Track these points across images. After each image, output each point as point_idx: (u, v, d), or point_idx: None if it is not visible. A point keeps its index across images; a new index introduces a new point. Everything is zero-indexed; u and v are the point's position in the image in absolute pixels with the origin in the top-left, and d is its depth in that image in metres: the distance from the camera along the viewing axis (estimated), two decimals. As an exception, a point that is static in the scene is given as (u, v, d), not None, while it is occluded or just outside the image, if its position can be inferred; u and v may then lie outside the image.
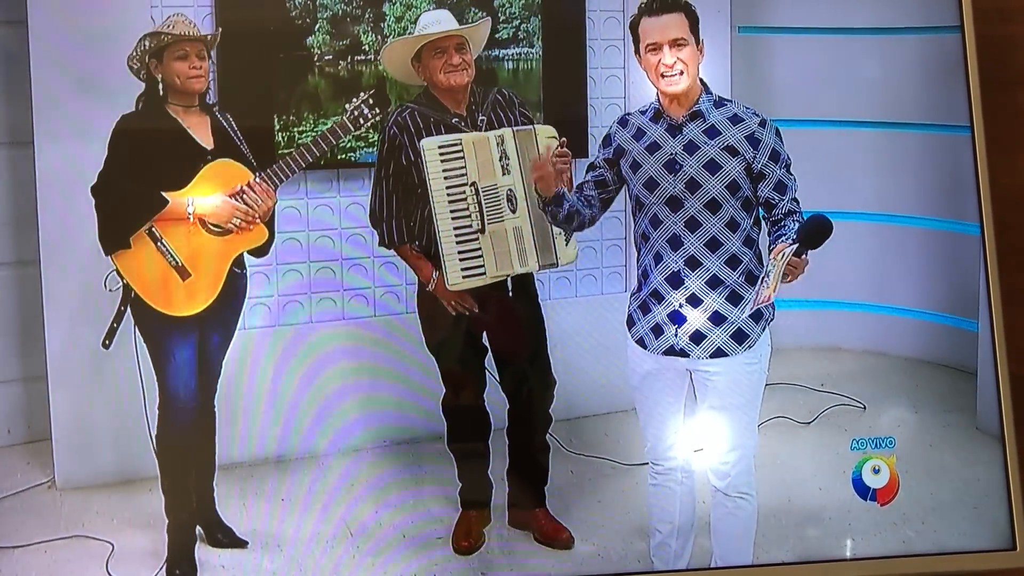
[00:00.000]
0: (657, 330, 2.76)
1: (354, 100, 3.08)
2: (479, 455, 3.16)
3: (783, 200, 2.68)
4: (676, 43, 2.72)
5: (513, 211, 3.05)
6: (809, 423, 3.48)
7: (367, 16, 3.33)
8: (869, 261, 3.82)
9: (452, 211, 3.01)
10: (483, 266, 3.03)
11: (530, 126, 3.11)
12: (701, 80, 2.79)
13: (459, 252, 3.02)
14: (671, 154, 2.75)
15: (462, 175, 3.01)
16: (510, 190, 3.04)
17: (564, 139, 3.01)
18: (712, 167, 2.71)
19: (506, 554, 3.07)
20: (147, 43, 2.95)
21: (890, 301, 3.81)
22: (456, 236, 3.01)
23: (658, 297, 2.75)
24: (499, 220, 3.04)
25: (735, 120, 2.73)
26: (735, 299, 2.70)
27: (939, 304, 3.68)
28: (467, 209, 3.02)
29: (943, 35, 3.28)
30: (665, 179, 2.74)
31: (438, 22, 3.06)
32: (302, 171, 3.07)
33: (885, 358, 3.82)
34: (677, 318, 2.73)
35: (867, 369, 3.79)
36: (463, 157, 3.01)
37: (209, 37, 3.02)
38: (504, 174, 3.04)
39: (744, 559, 2.85)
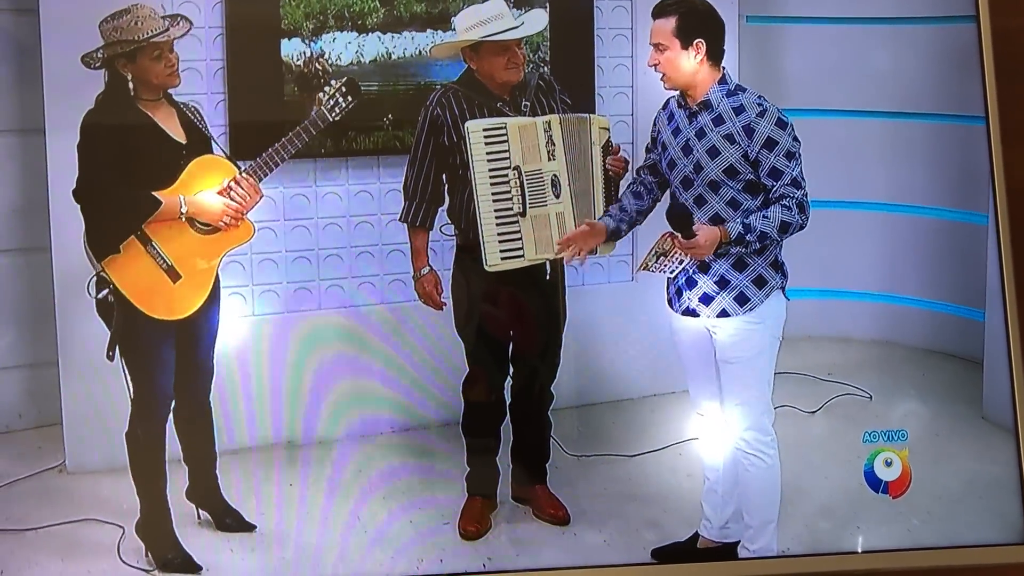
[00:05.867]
0: (679, 293, 2.99)
1: (327, 90, 3.05)
2: (490, 441, 3.19)
3: (776, 185, 2.86)
4: (657, 47, 2.91)
5: (557, 196, 3.08)
6: (815, 412, 3.49)
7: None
8: (879, 251, 3.82)
9: (494, 193, 3.03)
10: (522, 248, 3.06)
11: (586, 115, 3.15)
12: (724, 69, 2.93)
13: (499, 234, 3.04)
14: (687, 138, 2.93)
15: (505, 158, 3.04)
16: (555, 176, 3.08)
17: (618, 146, 3.17)
18: (713, 153, 2.89)
19: (512, 540, 3.09)
20: (121, 47, 2.86)
21: (899, 291, 3.81)
22: (496, 218, 3.04)
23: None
24: (542, 205, 3.07)
25: (738, 111, 2.88)
26: (740, 266, 2.91)
27: (946, 294, 3.69)
28: (509, 192, 3.04)
29: (955, 25, 3.27)
30: (681, 160, 2.94)
31: (500, 16, 3.06)
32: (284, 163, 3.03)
33: (893, 348, 3.83)
34: (691, 283, 2.95)
35: (875, 359, 3.80)
36: (507, 141, 3.03)
37: (181, 31, 2.93)
38: (550, 160, 3.07)
39: (767, 516, 2.93)
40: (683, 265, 2.94)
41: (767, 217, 2.84)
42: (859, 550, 2.93)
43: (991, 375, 3.42)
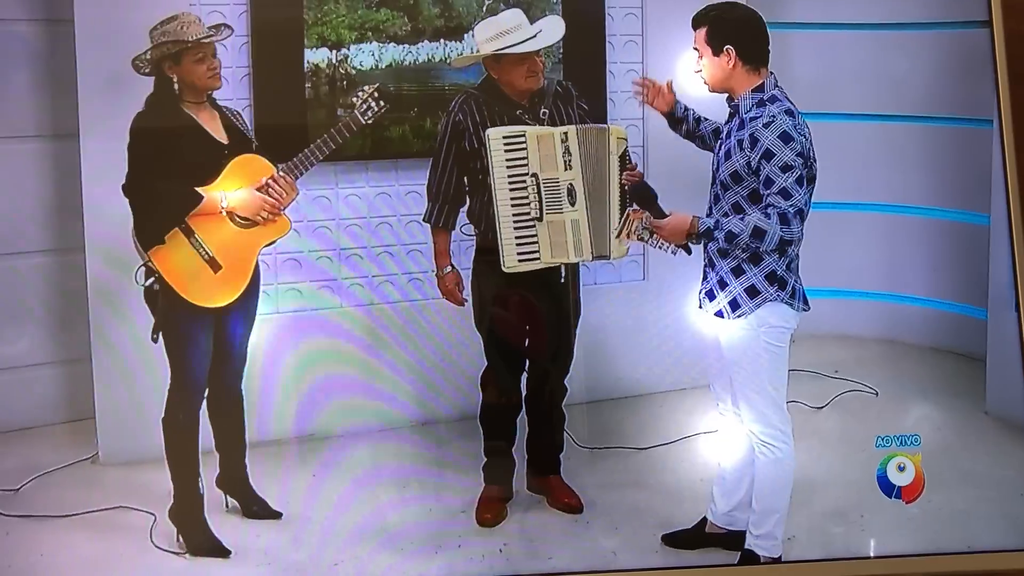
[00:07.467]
0: (703, 281, 3.04)
1: (360, 94, 3.14)
2: (506, 432, 3.26)
3: (766, 193, 2.87)
4: (697, 53, 2.99)
5: (572, 204, 3.14)
6: (822, 408, 3.56)
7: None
8: (884, 251, 3.88)
9: (512, 198, 3.11)
10: (538, 252, 3.13)
11: (604, 125, 3.22)
12: (767, 76, 2.96)
13: (516, 237, 3.11)
14: (721, 138, 3.02)
15: (524, 165, 3.11)
16: (571, 184, 3.14)
17: (635, 163, 3.22)
18: (727, 156, 2.95)
19: (527, 528, 3.16)
20: (167, 48, 2.98)
21: (904, 290, 3.87)
22: (515, 222, 3.11)
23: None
24: (558, 211, 3.13)
25: (753, 119, 2.91)
26: (738, 272, 2.94)
27: (949, 293, 3.74)
28: (527, 198, 3.11)
29: (960, 31, 3.34)
30: (715, 155, 3.02)
31: (519, 27, 3.14)
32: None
33: (898, 345, 3.89)
34: (705, 277, 3.02)
35: (880, 356, 3.85)
36: (526, 148, 3.11)
37: (223, 36, 3.06)
38: (566, 169, 3.13)
39: (771, 506, 2.95)
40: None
41: (742, 220, 2.86)
42: (871, 554, 2.97)
43: (994, 371, 3.49)
